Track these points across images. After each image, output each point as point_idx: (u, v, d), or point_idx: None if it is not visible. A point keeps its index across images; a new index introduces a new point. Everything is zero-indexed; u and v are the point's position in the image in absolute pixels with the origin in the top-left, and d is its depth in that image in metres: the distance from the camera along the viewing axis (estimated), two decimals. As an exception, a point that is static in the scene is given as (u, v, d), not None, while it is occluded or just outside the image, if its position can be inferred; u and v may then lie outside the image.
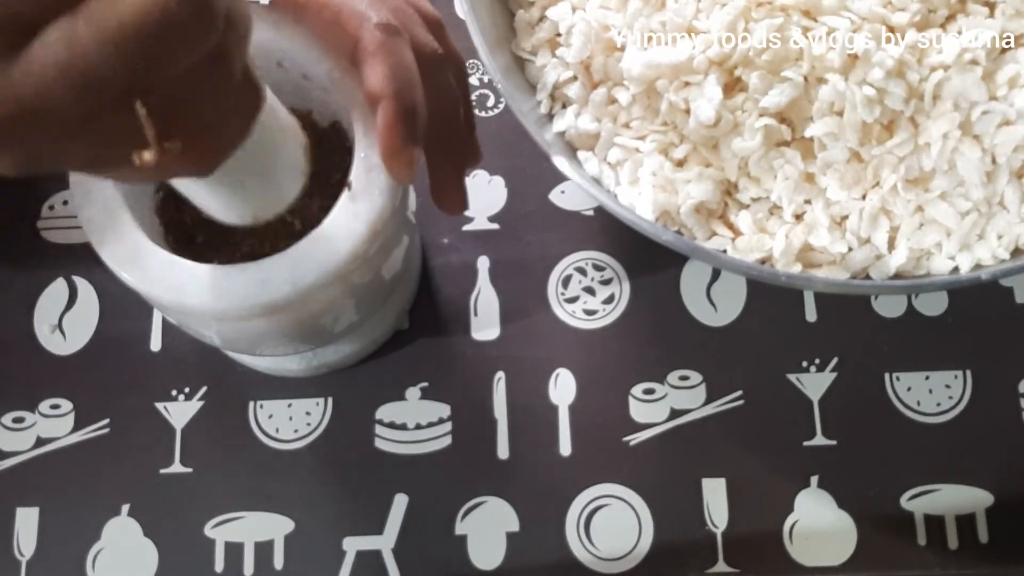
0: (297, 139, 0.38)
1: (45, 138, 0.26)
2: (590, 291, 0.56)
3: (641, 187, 0.48)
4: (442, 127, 0.43)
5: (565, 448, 0.54)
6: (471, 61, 0.62)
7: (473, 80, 0.62)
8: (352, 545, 0.52)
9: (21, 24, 0.24)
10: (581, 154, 0.50)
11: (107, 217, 0.41)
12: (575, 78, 0.50)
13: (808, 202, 0.47)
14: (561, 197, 0.59)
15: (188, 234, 0.46)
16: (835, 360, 0.55)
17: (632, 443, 0.54)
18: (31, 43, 0.24)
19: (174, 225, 0.46)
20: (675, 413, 0.54)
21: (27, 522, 0.53)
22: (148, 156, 0.27)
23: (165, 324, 0.56)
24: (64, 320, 0.57)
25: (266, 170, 0.37)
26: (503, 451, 0.54)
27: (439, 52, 0.43)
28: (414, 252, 0.54)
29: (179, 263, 0.40)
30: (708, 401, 0.54)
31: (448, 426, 0.54)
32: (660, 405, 0.54)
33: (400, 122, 0.39)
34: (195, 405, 0.55)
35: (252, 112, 0.31)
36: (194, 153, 0.29)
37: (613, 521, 0.52)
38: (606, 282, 0.57)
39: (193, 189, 0.37)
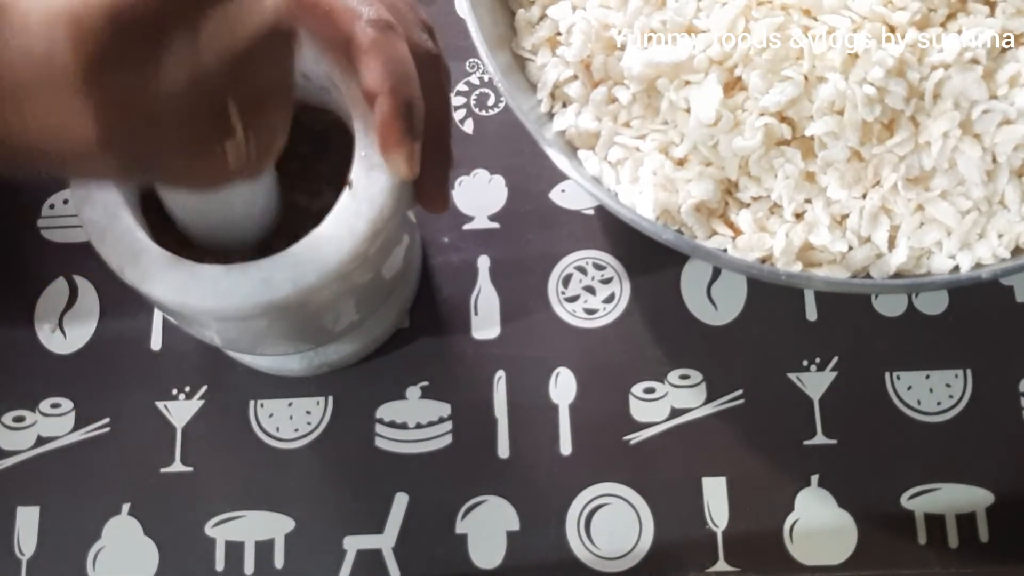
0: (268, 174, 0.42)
1: (154, 141, 0.30)
2: (590, 290, 0.56)
3: (641, 186, 0.48)
4: (432, 126, 0.43)
5: (565, 447, 0.54)
6: (471, 60, 0.62)
7: (473, 79, 0.62)
8: (352, 544, 0.52)
9: (158, 32, 0.28)
10: (581, 153, 0.50)
11: (108, 217, 0.41)
12: (575, 77, 0.50)
13: (808, 201, 0.47)
14: (561, 196, 0.58)
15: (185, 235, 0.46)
16: (835, 359, 0.55)
17: (632, 442, 0.54)
18: (163, 57, 0.29)
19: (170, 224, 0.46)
20: (675, 412, 0.54)
21: (27, 521, 0.53)
22: (233, 149, 0.32)
23: (165, 323, 0.56)
24: (64, 319, 0.57)
25: (252, 194, 0.41)
26: (503, 450, 0.54)
27: (433, 51, 0.42)
28: (414, 251, 0.54)
29: (180, 263, 0.40)
30: (708, 400, 0.54)
31: (448, 425, 0.54)
32: (660, 404, 0.54)
33: (398, 117, 0.39)
34: (195, 404, 0.55)
35: (291, 108, 0.34)
36: (263, 148, 0.33)
37: (613, 520, 0.52)
38: (606, 281, 0.57)
39: (192, 215, 0.41)
